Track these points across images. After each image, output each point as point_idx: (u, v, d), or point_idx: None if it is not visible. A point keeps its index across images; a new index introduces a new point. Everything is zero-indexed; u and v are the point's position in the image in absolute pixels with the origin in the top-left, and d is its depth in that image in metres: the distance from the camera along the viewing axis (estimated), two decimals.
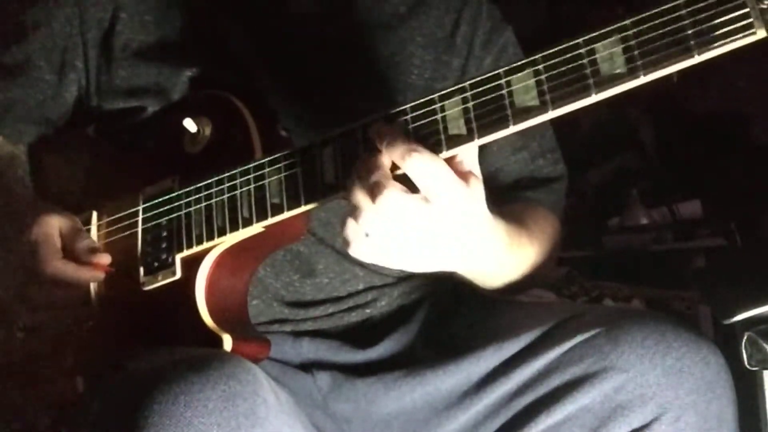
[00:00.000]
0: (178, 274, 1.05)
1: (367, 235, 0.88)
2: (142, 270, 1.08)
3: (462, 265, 0.98)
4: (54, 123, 1.27)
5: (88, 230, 1.14)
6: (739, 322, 1.08)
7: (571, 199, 2.87)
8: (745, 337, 1.06)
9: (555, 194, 1.26)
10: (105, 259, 1.08)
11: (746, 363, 1.07)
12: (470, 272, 1.08)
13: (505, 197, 1.22)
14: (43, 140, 1.27)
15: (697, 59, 0.80)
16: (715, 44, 0.79)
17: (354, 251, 0.90)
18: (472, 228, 0.90)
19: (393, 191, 0.85)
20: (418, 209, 0.86)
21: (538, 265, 1.14)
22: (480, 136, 0.89)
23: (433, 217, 0.87)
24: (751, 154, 2.59)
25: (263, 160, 1.01)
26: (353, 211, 0.88)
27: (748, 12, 0.78)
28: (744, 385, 1.04)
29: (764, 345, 1.05)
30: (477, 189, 0.89)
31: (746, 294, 1.09)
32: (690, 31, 0.80)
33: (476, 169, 0.91)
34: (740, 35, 0.78)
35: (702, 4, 0.79)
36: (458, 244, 0.90)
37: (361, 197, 0.87)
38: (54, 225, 1.08)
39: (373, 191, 0.86)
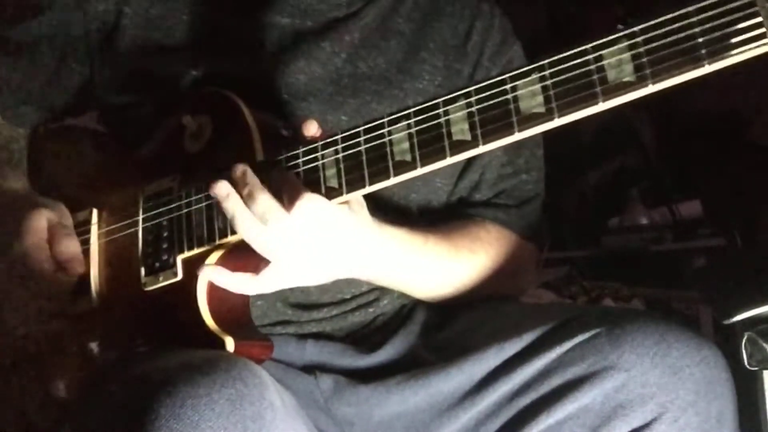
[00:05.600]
0: (180, 275, 1.05)
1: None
2: (143, 270, 1.08)
3: (356, 271, 1.07)
4: (56, 110, 1.27)
5: (88, 229, 1.14)
6: (739, 322, 1.07)
7: (571, 199, 2.88)
8: (745, 337, 1.06)
9: (528, 217, 1.27)
10: (79, 267, 1.10)
11: (746, 363, 1.06)
12: (377, 279, 1.15)
13: (462, 214, 1.25)
14: (45, 133, 1.27)
15: (708, 69, 0.78)
16: (727, 54, 0.77)
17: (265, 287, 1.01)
18: (352, 242, 1.00)
19: (278, 215, 0.95)
20: (301, 229, 0.95)
21: (479, 278, 1.20)
22: (485, 142, 0.88)
23: (314, 236, 0.96)
24: (750, 154, 2.59)
25: (264, 162, 1.01)
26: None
27: (761, 22, 0.76)
28: (744, 385, 1.04)
29: (764, 345, 1.05)
30: (348, 212, 0.98)
31: (746, 294, 1.09)
32: (700, 40, 0.78)
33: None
34: (753, 45, 0.76)
35: (713, 12, 0.77)
36: (341, 257, 1.01)
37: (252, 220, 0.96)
38: (42, 225, 1.08)
39: (263, 217, 0.95)
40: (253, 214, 0.96)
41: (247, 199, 0.96)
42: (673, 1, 0.80)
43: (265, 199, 0.95)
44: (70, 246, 1.10)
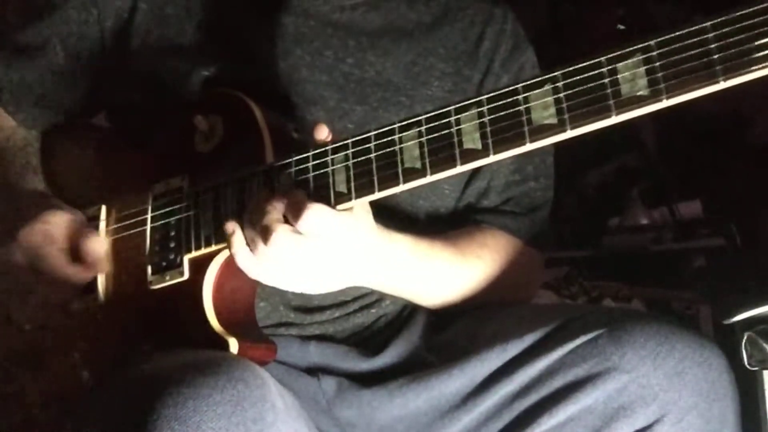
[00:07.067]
0: (186, 275, 1.05)
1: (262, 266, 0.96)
2: (149, 269, 1.08)
3: (365, 279, 1.06)
4: (68, 110, 1.26)
5: (97, 225, 1.14)
6: (739, 322, 1.08)
7: (571, 199, 2.88)
8: (745, 337, 1.06)
9: (535, 225, 1.26)
10: (103, 269, 1.11)
11: (746, 363, 1.07)
12: (385, 287, 1.14)
13: (470, 221, 1.24)
14: (56, 129, 1.27)
15: (723, 85, 0.77)
16: (742, 71, 0.75)
17: (255, 276, 0.98)
18: (358, 251, 0.97)
19: (282, 234, 0.92)
20: (305, 246, 0.93)
21: (485, 285, 1.19)
22: (496, 152, 0.87)
23: (319, 249, 0.94)
24: (751, 155, 2.59)
25: (274, 163, 1.01)
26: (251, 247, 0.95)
27: None
28: (744, 385, 1.05)
29: (764, 345, 1.05)
30: (352, 222, 0.95)
31: (746, 294, 1.09)
32: (716, 56, 0.76)
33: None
34: None
35: (729, 28, 0.76)
36: (348, 267, 0.98)
37: (254, 238, 0.94)
38: (60, 224, 1.08)
39: (265, 234, 0.92)
40: (255, 231, 0.94)
41: (255, 213, 0.95)
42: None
43: (271, 219, 0.94)
44: (103, 245, 1.10)
